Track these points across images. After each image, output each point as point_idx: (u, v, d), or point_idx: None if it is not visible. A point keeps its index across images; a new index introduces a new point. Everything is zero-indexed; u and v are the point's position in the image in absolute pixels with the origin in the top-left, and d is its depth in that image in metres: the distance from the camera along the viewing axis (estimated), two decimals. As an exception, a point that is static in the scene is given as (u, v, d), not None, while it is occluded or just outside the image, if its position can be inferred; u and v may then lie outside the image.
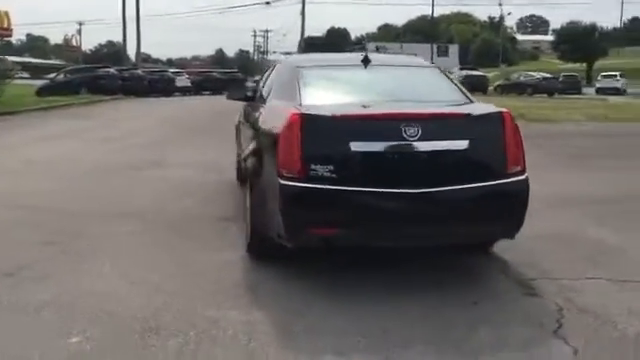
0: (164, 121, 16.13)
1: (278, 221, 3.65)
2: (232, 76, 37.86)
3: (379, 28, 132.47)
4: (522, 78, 38.40)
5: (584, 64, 56.63)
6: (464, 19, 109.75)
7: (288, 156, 3.55)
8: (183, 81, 34.74)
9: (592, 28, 57.41)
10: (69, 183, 7.19)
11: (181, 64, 72.17)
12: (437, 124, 3.64)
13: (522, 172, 3.70)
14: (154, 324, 3.20)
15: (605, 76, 41.83)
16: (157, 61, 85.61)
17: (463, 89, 4.43)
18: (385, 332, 3.14)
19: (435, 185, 3.51)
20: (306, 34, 58.62)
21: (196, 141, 11.44)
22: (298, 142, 3.53)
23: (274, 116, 4.06)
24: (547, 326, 3.23)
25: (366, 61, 4.56)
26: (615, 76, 41.27)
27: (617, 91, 38.76)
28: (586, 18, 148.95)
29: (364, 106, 3.87)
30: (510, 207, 3.68)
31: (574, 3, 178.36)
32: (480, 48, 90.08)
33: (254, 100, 5.87)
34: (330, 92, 4.29)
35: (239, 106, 6.58)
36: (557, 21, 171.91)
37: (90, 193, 6.62)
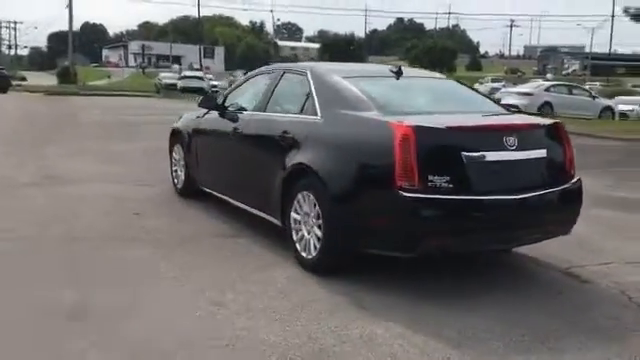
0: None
1: (392, 233, 3.70)
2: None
3: (140, 26, 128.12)
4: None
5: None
6: (227, 22, 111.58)
7: (407, 168, 3.61)
8: None
9: (351, 38, 62.98)
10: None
11: None
12: (527, 134, 4.01)
13: (576, 176, 4.27)
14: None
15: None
16: None
17: (494, 99, 4.89)
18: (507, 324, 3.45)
19: (530, 190, 3.89)
20: (58, 29, 54.25)
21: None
22: (415, 154, 3.61)
23: (361, 128, 4.03)
24: (629, 304, 3.85)
25: (399, 73, 4.77)
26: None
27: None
28: (334, 28, 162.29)
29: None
30: (573, 207, 4.21)
31: (324, 14, 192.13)
32: (245, 52, 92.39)
33: (225, 109, 5.64)
34: (393, 102, 4.36)
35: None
36: (309, 29, 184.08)
37: None
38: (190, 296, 3.79)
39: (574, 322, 3.56)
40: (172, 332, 3.28)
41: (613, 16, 52.94)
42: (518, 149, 3.85)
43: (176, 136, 6.71)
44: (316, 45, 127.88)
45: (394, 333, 3.33)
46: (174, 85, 38.20)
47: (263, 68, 5.91)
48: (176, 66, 67.89)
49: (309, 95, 4.61)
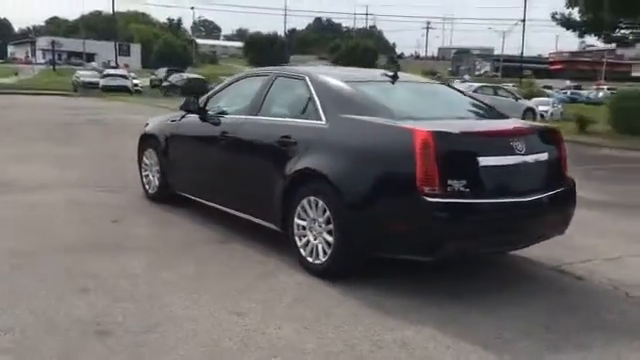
0: None
1: (412, 237, 3.76)
2: None
3: (47, 22, 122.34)
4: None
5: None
6: (142, 19, 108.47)
7: (428, 173, 3.67)
8: None
9: (274, 37, 62.94)
10: None
11: None
12: (532, 139, 4.16)
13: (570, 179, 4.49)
14: None
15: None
16: None
17: (486, 103, 5.04)
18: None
19: (537, 193, 4.06)
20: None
21: None
22: (435, 159, 3.68)
23: (376, 133, 4.05)
24: (627, 299, 4.10)
25: (395, 77, 4.84)
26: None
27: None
28: (253, 26, 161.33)
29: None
30: (570, 208, 4.41)
31: (241, 12, 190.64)
32: (162, 49, 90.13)
33: (205, 113, 5.54)
34: (400, 108, 4.39)
35: None
36: (227, 27, 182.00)
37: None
38: (209, 307, 3.69)
39: (586, 318, 3.76)
40: (212, 346, 3.19)
41: (524, 21, 55.56)
42: (525, 153, 4.01)
43: (148, 141, 6.49)
44: (235, 43, 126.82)
45: (425, 336, 3.39)
46: (94, 84, 36.57)
47: (248, 71, 5.82)
48: (93, 63, 65.20)
49: (310, 100, 4.58)
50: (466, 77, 59.54)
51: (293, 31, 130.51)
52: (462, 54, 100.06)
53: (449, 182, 3.72)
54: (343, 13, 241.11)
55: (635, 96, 16.11)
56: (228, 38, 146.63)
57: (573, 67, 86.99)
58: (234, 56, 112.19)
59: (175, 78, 36.36)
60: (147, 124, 6.72)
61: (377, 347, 3.24)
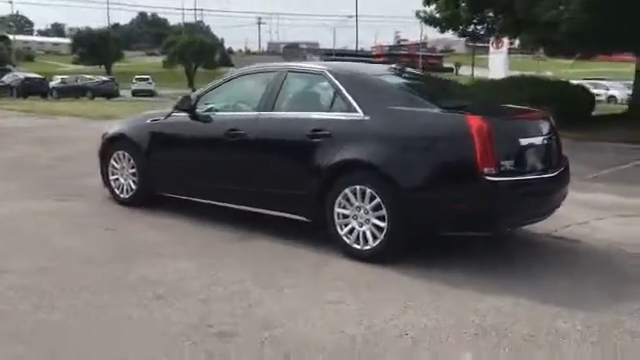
0: None
1: (474, 215, 4.15)
2: None
3: None
4: (80, 81, 37.49)
5: (102, 66, 58.53)
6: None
7: (486, 156, 4.06)
8: None
9: (107, 33, 59.65)
10: None
11: None
12: (544, 123, 4.72)
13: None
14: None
15: (139, 79, 44.48)
16: None
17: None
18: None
19: (557, 169, 4.65)
20: None
21: None
22: (490, 142, 4.09)
23: (430, 122, 4.35)
24: (624, 252, 4.85)
25: (402, 71, 5.22)
26: (147, 79, 44.40)
27: (150, 93, 41.82)
28: (69, 21, 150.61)
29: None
30: (568, 183, 5.02)
31: (57, 5, 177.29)
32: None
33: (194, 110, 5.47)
34: (433, 97, 4.73)
35: None
36: (40, 22, 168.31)
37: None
38: (301, 300, 3.76)
39: (611, 274, 4.38)
40: (337, 333, 3.30)
41: (357, 16, 58.48)
42: (545, 134, 4.58)
43: (116, 143, 6.16)
44: (53, 39, 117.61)
45: (511, 302, 3.74)
46: None
47: (247, 69, 5.77)
48: None
49: (337, 93, 4.74)
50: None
51: (116, 26, 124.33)
52: (292, 48, 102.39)
53: (502, 162, 4.15)
54: (170, 8, 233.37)
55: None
56: (42, 33, 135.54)
57: (395, 59, 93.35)
58: (51, 52, 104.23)
59: (9, 78, 33.19)
60: (109, 128, 6.42)
61: (481, 315, 3.54)
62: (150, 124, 5.92)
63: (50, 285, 3.89)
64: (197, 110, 5.53)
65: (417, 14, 16.95)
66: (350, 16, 58.09)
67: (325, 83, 4.87)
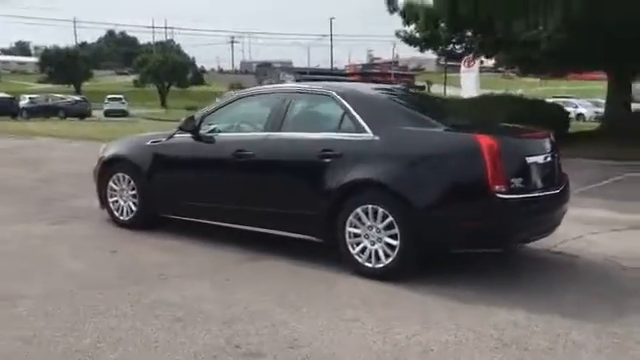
0: None
1: (485, 232, 4.27)
2: None
3: None
4: (51, 101, 36.98)
5: (71, 85, 57.93)
6: None
7: (497, 174, 4.19)
8: None
9: (75, 52, 59.16)
10: None
11: None
12: (548, 140, 4.87)
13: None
14: None
15: (111, 99, 44.01)
16: None
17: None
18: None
19: (559, 186, 4.80)
20: None
21: None
22: (500, 161, 4.23)
23: (440, 142, 4.47)
24: (619, 265, 5.02)
25: (405, 90, 5.33)
26: (120, 99, 44.00)
27: (123, 113, 41.39)
28: (34, 39, 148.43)
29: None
30: (567, 204, 5.13)
31: (19, 23, 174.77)
32: None
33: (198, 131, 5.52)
34: (438, 118, 4.85)
35: None
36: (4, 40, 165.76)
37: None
38: (320, 318, 3.81)
39: (611, 287, 4.53)
40: (366, 349, 3.36)
41: (332, 35, 59.08)
42: (548, 152, 4.74)
43: (115, 165, 6.17)
44: (17, 58, 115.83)
45: (522, 317, 3.87)
46: None
47: (252, 90, 5.85)
48: None
49: (346, 114, 4.84)
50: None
51: (84, 44, 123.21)
52: (265, 67, 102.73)
53: (511, 180, 4.29)
54: (140, 26, 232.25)
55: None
56: (6, 52, 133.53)
57: (368, 78, 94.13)
58: (17, 72, 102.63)
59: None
60: (104, 149, 6.42)
61: (499, 330, 3.65)
62: (151, 145, 5.93)
63: (70, 309, 3.88)
64: (201, 131, 5.57)
65: (397, 34, 17.31)
66: (324, 35, 58.59)
67: (332, 104, 4.97)
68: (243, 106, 5.68)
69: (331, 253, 4.85)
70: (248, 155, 5.16)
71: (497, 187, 4.20)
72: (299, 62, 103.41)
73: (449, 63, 73.98)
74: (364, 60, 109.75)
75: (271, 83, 72.01)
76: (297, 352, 3.33)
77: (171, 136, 5.81)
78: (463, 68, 20.36)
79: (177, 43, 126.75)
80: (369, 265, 4.59)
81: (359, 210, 4.59)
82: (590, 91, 43.70)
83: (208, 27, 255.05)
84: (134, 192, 5.98)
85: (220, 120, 5.65)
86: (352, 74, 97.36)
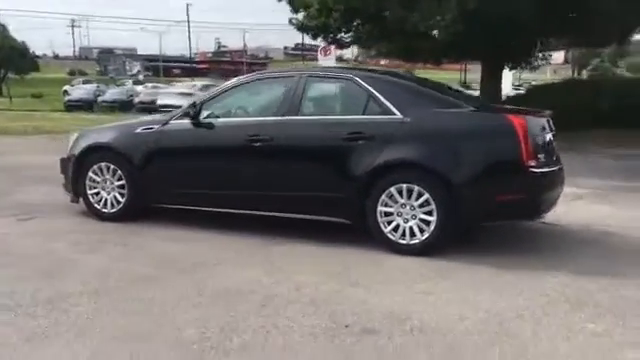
0: None
1: (521, 204, 4.62)
2: None
3: None
4: None
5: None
6: None
7: (529, 150, 4.55)
8: None
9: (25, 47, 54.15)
10: None
11: None
12: (549, 121, 5.30)
13: None
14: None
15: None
16: None
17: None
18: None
19: (559, 162, 5.27)
20: None
21: None
22: (530, 139, 4.60)
23: (475, 122, 4.78)
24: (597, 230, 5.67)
25: (413, 76, 5.53)
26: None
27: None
28: None
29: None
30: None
31: None
32: None
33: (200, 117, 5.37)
34: (459, 99, 5.12)
35: None
36: None
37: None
38: (399, 294, 3.91)
39: (612, 250, 5.11)
40: (464, 318, 3.54)
41: (189, 22, 57.34)
42: (552, 132, 5.21)
43: (96, 155, 5.73)
44: None
45: (573, 280, 4.25)
46: None
47: (256, 75, 5.69)
48: None
49: (371, 98, 4.93)
50: (140, 77, 58.67)
51: None
52: (108, 54, 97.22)
53: (538, 156, 4.69)
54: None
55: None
56: None
57: (218, 66, 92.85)
58: None
59: None
60: (76, 139, 5.98)
61: (559, 291, 3.98)
62: (143, 133, 5.58)
63: (141, 305, 3.65)
64: (201, 117, 5.36)
65: (290, 21, 17.44)
66: (178, 21, 56.63)
67: (356, 88, 5.03)
68: (249, 91, 5.55)
69: (341, 233, 4.97)
70: (264, 139, 5.07)
71: (530, 162, 4.56)
72: (143, 49, 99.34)
73: (306, 52, 75.56)
74: (212, 48, 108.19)
75: (117, 70, 68.52)
76: (407, 325, 3.40)
77: (166, 122, 5.51)
78: (320, 57, 20.71)
79: (3, 23, 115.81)
80: (403, 242, 4.75)
81: (392, 189, 4.73)
82: (448, 80, 46.91)
83: (43, 9, 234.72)
84: (121, 182, 5.60)
85: (224, 105, 5.47)
86: (202, 62, 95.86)
